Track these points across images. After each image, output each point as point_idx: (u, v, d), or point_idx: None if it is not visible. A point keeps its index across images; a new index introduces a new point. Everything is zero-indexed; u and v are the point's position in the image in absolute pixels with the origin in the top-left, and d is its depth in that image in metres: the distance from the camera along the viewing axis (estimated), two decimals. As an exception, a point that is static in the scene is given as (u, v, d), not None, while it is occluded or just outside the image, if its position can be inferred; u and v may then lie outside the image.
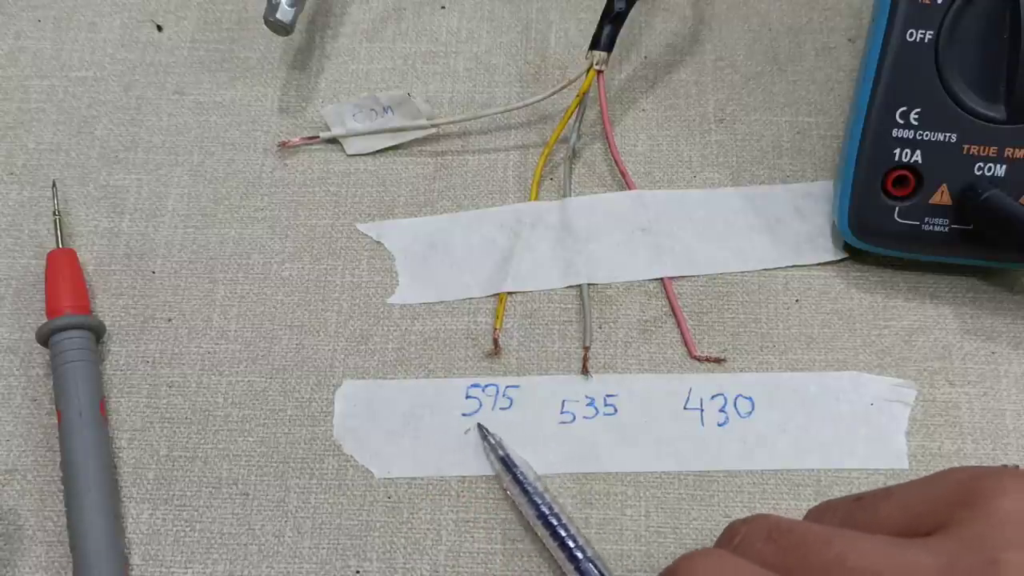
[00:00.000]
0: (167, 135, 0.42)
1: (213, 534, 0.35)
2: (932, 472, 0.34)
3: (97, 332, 0.37)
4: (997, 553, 0.22)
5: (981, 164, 0.35)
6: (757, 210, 0.39)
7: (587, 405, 0.36)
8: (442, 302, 0.38)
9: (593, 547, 0.32)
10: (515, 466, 0.34)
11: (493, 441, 0.35)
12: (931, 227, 0.36)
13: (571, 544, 0.32)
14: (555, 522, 0.32)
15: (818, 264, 0.38)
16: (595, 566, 0.32)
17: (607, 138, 0.40)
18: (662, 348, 0.37)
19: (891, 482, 0.34)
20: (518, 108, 0.41)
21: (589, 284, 0.38)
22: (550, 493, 0.33)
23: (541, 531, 0.33)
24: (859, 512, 0.26)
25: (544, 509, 0.33)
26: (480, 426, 0.35)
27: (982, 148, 0.35)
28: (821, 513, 0.28)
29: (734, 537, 0.26)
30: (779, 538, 0.25)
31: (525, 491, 0.33)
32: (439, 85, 0.43)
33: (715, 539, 0.34)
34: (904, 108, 0.35)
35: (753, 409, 0.36)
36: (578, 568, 0.32)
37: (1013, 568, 0.22)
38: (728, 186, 0.40)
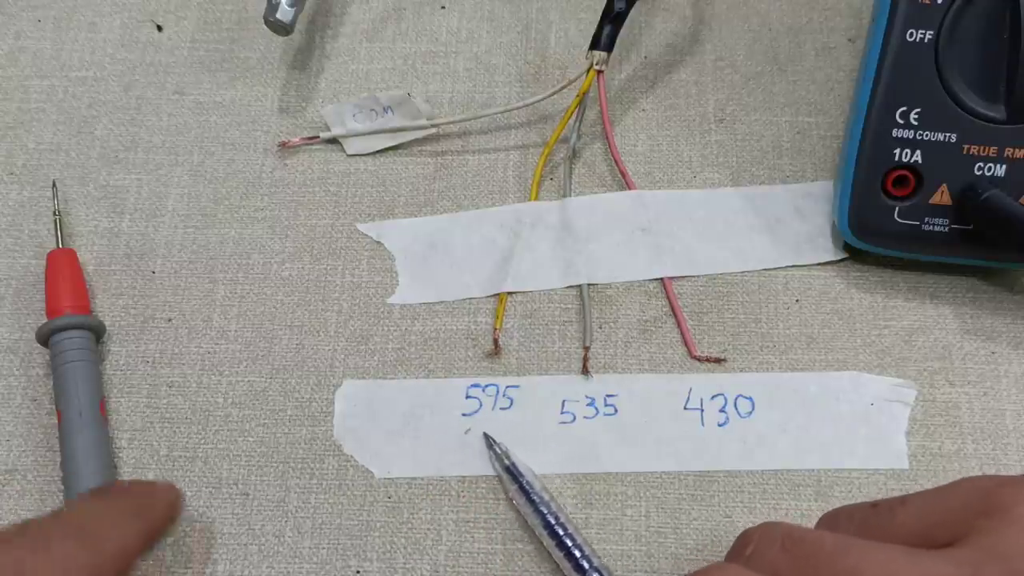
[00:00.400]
0: (167, 135, 0.42)
1: (213, 534, 0.35)
2: (933, 472, 0.34)
3: (97, 332, 0.37)
4: (1020, 564, 0.22)
5: (981, 164, 0.35)
6: (757, 210, 0.39)
7: (587, 405, 0.36)
8: (442, 302, 0.38)
9: (600, 557, 0.32)
10: (521, 475, 0.34)
11: (499, 450, 0.35)
12: (931, 227, 0.36)
13: (577, 554, 0.32)
14: (561, 531, 0.32)
15: (818, 264, 0.38)
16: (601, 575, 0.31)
17: (607, 138, 0.40)
18: (662, 348, 0.37)
19: (891, 482, 0.34)
20: (518, 108, 0.41)
21: (589, 284, 0.38)
22: (556, 502, 0.33)
23: (547, 540, 0.33)
24: (874, 519, 0.26)
25: (550, 518, 0.33)
26: (486, 435, 0.35)
27: (982, 148, 0.35)
28: (835, 519, 0.28)
29: (746, 546, 0.26)
30: (792, 548, 0.24)
31: (531, 500, 0.33)
32: (439, 85, 0.43)
33: (716, 540, 0.34)
34: (904, 108, 0.35)
35: (753, 409, 0.36)
36: None
37: None
38: (728, 186, 0.40)
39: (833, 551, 0.24)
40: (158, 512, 0.30)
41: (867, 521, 0.26)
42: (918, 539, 0.24)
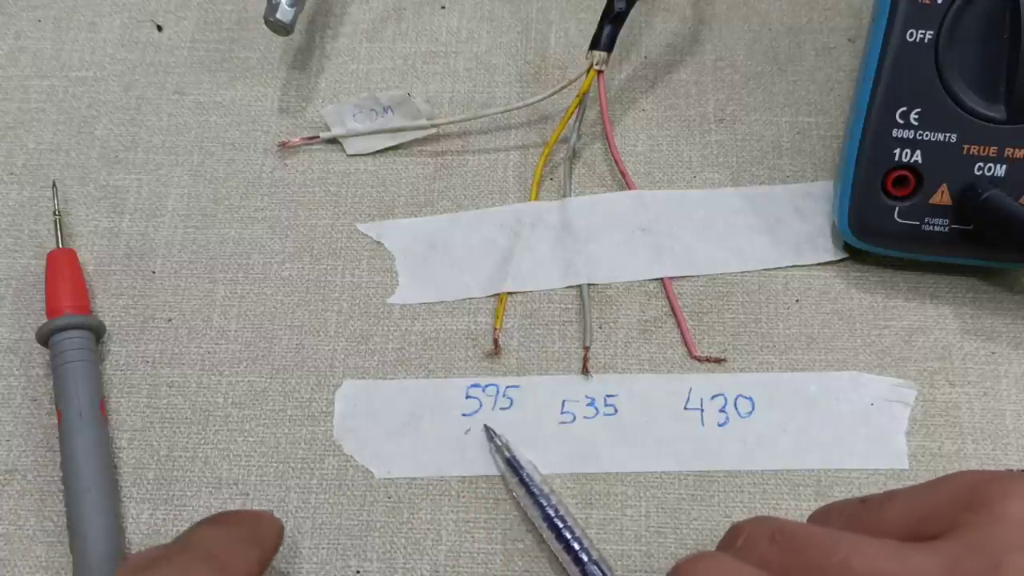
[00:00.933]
0: (167, 135, 0.42)
1: (213, 534, 0.35)
2: (933, 472, 0.34)
3: (97, 332, 0.37)
4: (1001, 557, 0.22)
5: (981, 164, 0.35)
6: (757, 210, 0.39)
7: (587, 405, 0.36)
8: (442, 302, 0.38)
9: (599, 549, 0.32)
10: (521, 468, 0.34)
11: (500, 443, 0.35)
12: (931, 227, 0.36)
13: (576, 546, 0.32)
14: (560, 524, 0.32)
15: (818, 264, 0.38)
16: (600, 569, 0.31)
17: (607, 138, 0.40)
18: (662, 348, 0.37)
19: (891, 482, 0.34)
20: (518, 108, 0.41)
21: (589, 284, 0.38)
22: (556, 495, 0.33)
23: (547, 533, 0.33)
24: (864, 514, 0.26)
25: (550, 511, 0.33)
26: (487, 427, 0.35)
27: (982, 148, 0.35)
28: (825, 515, 0.28)
29: (737, 538, 0.26)
30: (783, 541, 0.25)
31: (531, 493, 0.33)
32: (439, 85, 0.43)
33: (716, 540, 0.34)
34: (904, 108, 0.35)
35: (753, 409, 0.36)
36: (584, 571, 0.31)
37: (1016, 572, 0.22)
38: (728, 186, 0.40)
39: (822, 545, 0.24)
40: (270, 540, 0.31)
41: (857, 516, 0.26)
42: (907, 533, 0.25)
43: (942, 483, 0.25)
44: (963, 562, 0.22)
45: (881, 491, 0.33)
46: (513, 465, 0.34)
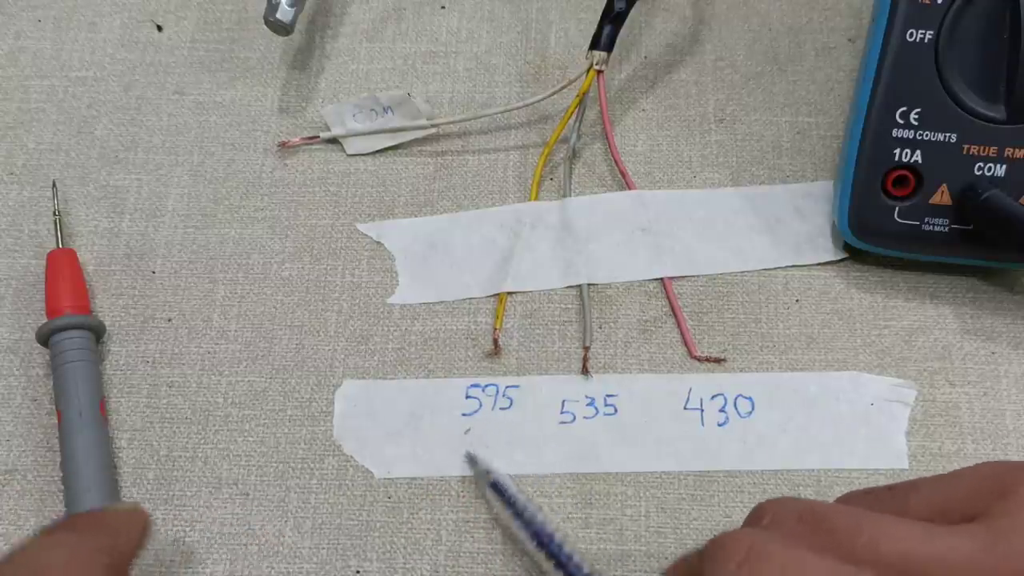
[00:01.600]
0: (167, 135, 0.42)
1: (213, 534, 0.35)
2: (933, 473, 0.34)
3: (97, 332, 0.37)
4: None
5: (981, 164, 0.35)
6: (757, 210, 0.39)
7: (587, 405, 0.36)
8: (442, 302, 0.38)
9: (592, 564, 0.31)
10: (505, 490, 0.33)
11: (483, 468, 0.34)
12: (931, 227, 0.36)
13: (569, 564, 0.31)
14: (548, 542, 0.31)
15: (818, 264, 0.38)
16: None
17: (607, 138, 0.40)
18: (662, 348, 0.37)
19: (891, 482, 0.34)
20: (518, 108, 0.41)
21: (589, 284, 0.38)
22: (543, 512, 0.32)
23: (537, 555, 0.32)
24: (890, 500, 0.26)
25: (538, 528, 0.32)
26: (468, 454, 0.35)
27: (982, 148, 0.35)
28: (849, 501, 0.28)
29: (762, 518, 0.26)
30: (811, 521, 0.24)
31: (519, 515, 0.32)
32: (439, 85, 0.43)
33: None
34: (904, 108, 0.35)
35: (753, 409, 0.36)
36: None
37: None
38: (728, 186, 0.40)
39: (850, 525, 0.24)
40: (126, 544, 0.28)
41: (883, 502, 0.26)
42: (933, 519, 0.24)
43: (968, 472, 0.25)
44: (995, 545, 0.22)
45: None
46: (498, 488, 0.33)
